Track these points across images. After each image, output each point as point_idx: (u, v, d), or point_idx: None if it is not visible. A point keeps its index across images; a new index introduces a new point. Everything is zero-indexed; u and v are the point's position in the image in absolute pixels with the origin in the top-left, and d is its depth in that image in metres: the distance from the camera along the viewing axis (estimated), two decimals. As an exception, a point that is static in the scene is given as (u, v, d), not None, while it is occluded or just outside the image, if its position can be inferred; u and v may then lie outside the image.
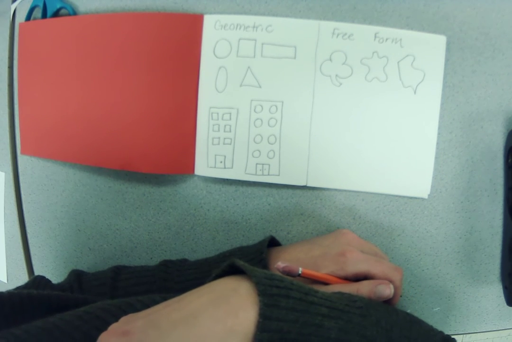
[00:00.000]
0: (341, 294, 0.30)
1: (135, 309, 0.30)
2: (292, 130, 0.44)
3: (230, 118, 0.45)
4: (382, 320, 0.29)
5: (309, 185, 0.44)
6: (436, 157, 0.44)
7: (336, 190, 0.45)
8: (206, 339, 0.24)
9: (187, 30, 0.44)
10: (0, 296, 0.31)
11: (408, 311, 0.41)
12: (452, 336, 0.32)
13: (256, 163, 0.45)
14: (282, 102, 0.44)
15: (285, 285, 0.27)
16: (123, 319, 0.26)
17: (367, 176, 0.44)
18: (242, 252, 0.40)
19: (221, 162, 0.45)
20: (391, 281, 0.34)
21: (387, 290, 0.33)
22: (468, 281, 0.46)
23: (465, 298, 0.46)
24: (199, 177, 0.47)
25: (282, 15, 0.44)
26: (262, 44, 0.43)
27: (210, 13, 0.44)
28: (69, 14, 0.47)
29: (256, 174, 0.45)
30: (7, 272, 0.55)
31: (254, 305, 0.25)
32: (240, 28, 0.43)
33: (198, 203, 0.47)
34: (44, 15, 0.48)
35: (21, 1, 0.50)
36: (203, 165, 0.46)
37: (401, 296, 0.43)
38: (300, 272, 0.32)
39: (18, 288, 0.40)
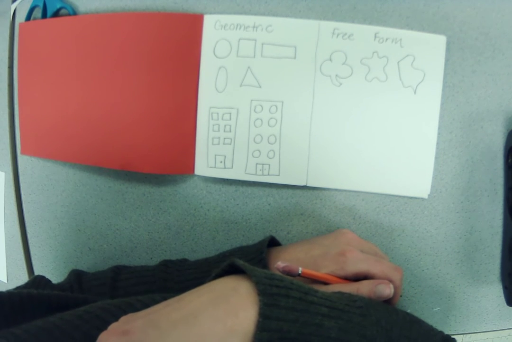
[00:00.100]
0: (341, 294, 0.30)
1: (135, 308, 0.30)
2: (292, 130, 0.44)
3: (230, 118, 0.45)
4: (382, 320, 0.28)
5: (309, 184, 0.44)
6: (436, 157, 0.44)
7: (336, 190, 0.45)
8: (206, 338, 0.24)
9: (187, 30, 0.44)
10: (0, 296, 0.31)
11: (408, 311, 0.41)
12: (452, 336, 0.32)
13: (256, 163, 0.45)
14: (282, 102, 0.44)
15: (285, 285, 0.27)
16: (123, 319, 0.26)
17: (367, 175, 0.44)
18: (242, 251, 0.40)
19: (221, 162, 0.45)
20: (391, 281, 0.34)
21: (387, 290, 0.33)
22: (468, 281, 0.46)
23: (465, 298, 0.46)
24: (199, 176, 0.47)
25: (282, 15, 0.44)
26: (262, 44, 0.43)
27: (210, 13, 0.44)
28: (69, 14, 0.47)
29: (256, 174, 0.45)
30: (7, 272, 0.55)
31: (254, 305, 0.25)
32: (240, 28, 0.44)
33: (198, 203, 0.47)
34: (44, 15, 0.48)
35: (21, 1, 0.50)
36: (203, 165, 0.46)
37: (401, 296, 0.43)
38: (300, 272, 0.32)
39: (18, 287, 0.40)
